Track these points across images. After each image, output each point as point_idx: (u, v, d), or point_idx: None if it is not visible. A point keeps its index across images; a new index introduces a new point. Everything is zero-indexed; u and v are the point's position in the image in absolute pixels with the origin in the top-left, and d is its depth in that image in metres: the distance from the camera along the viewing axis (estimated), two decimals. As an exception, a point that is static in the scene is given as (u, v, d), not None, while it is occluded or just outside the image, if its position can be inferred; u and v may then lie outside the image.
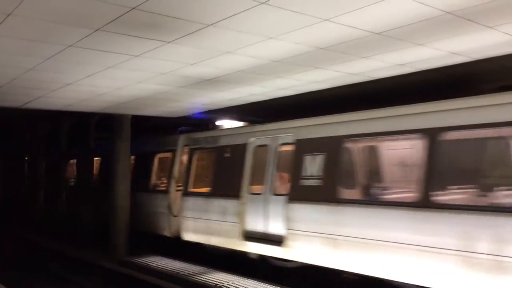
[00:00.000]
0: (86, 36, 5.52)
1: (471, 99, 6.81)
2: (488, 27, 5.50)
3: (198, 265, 10.79)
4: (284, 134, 9.68)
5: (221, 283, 9.18)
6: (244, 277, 9.53)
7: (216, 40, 5.79)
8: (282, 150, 9.81)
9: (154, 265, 11.10)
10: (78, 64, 6.90)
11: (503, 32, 5.71)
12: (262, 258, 9.97)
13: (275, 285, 8.93)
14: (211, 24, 5.19)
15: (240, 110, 11.55)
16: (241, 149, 10.51)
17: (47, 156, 20.15)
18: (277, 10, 4.75)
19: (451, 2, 4.69)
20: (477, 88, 8.09)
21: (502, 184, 7.15)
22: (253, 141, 10.36)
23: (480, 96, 6.75)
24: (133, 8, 4.64)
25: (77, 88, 8.60)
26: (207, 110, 11.84)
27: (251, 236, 9.88)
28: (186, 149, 12.42)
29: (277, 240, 9.20)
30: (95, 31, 5.33)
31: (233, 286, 8.98)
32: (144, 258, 11.83)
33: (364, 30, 5.49)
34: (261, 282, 9.18)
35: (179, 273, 10.20)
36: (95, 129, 16.03)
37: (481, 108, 6.60)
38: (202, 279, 9.58)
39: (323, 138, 8.75)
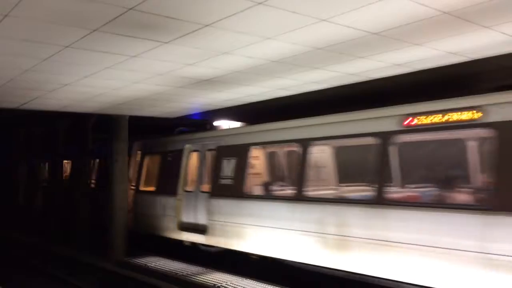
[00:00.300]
0: (83, 37, 5.51)
1: (326, 117, 8.87)
2: (485, 27, 5.51)
3: (197, 266, 10.82)
4: (210, 142, 11.68)
5: (219, 283, 9.19)
6: (243, 277, 9.55)
7: (213, 40, 5.79)
8: (209, 155, 11.71)
9: (152, 265, 11.12)
10: (75, 65, 6.89)
11: (500, 32, 5.72)
12: (194, 245, 11.83)
13: (274, 285, 8.94)
14: (208, 25, 5.19)
15: (239, 110, 11.57)
16: (179, 153, 12.54)
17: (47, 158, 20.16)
18: (274, 11, 4.75)
19: (448, 2, 4.69)
20: (475, 88, 8.11)
21: (348, 183, 9.91)
22: (188, 147, 12.41)
23: (331, 114, 8.80)
24: (130, 9, 4.63)
25: (74, 89, 8.59)
26: (205, 110, 11.85)
27: (184, 227, 11.89)
28: (139, 154, 14.44)
29: (202, 230, 11.16)
30: (92, 31, 5.32)
31: (231, 286, 8.99)
32: (142, 258, 11.85)
33: (362, 30, 5.49)
34: (260, 282, 9.19)
35: (177, 273, 10.22)
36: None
37: (332, 123, 8.72)
38: (201, 279, 9.60)
39: (234, 145, 10.76)
